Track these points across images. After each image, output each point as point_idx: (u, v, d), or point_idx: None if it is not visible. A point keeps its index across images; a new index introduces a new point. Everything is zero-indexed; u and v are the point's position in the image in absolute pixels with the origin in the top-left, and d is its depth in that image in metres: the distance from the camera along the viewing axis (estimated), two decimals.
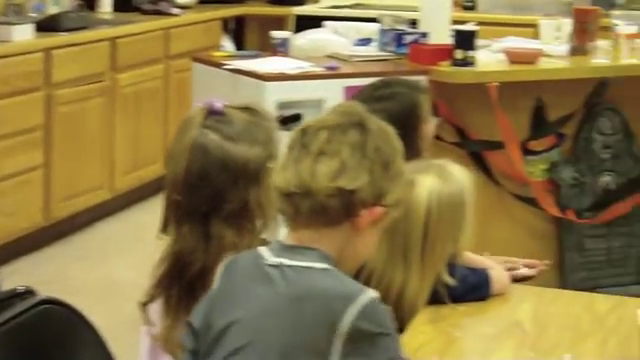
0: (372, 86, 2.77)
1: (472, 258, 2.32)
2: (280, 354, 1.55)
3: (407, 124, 2.63)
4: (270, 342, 1.56)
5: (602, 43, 3.86)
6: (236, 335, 1.59)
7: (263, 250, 1.65)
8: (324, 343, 1.53)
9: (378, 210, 1.63)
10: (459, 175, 2.19)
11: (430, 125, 2.73)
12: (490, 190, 3.79)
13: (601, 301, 2.23)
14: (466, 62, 3.54)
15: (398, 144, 1.68)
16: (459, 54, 3.54)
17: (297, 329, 1.55)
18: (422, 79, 3.48)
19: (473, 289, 2.22)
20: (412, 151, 2.48)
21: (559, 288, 3.78)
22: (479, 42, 3.77)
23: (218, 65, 3.70)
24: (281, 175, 1.62)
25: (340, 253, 1.64)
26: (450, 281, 2.16)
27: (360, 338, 1.54)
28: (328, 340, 1.53)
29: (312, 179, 1.59)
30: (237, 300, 1.62)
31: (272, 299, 1.58)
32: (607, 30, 3.93)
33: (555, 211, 3.86)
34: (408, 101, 2.68)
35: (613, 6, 6.01)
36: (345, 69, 3.61)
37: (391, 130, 1.70)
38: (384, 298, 2.12)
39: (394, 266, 2.14)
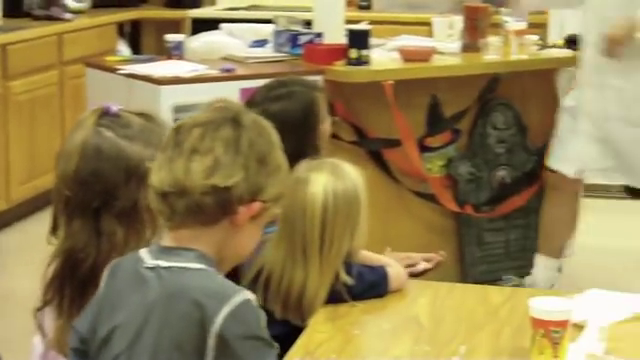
0: (267, 87, 2.76)
1: (370, 256, 2.33)
2: (155, 355, 1.54)
3: (307, 123, 2.64)
4: (146, 344, 1.55)
5: (493, 40, 3.92)
6: (118, 340, 1.58)
7: (143, 252, 1.63)
8: (198, 343, 1.53)
9: (256, 206, 1.63)
10: (351, 172, 2.21)
11: (327, 124, 2.74)
12: (389, 188, 3.83)
13: (495, 293, 2.27)
14: (360, 61, 3.56)
15: (275, 138, 1.68)
16: (353, 53, 3.56)
17: (171, 329, 1.54)
18: (318, 79, 3.49)
19: (371, 287, 2.24)
20: (312, 150, 2.50)
21: (461, 282, 3.84)
22: (374, 41, 3.80)
23: (112, 70, 3.66)
24: (156, 175, 1.61)
25: (220, 251, 1.63)
26: (348, 280, 2.17)
27: (231, 339, 1.53)
28: (201, 340, 1.53)
29: (186, 178, 1.58)
30: (118, 304, 1.61)
31: (147, 302, 1.57)
32: (497, 27, 4.00)
33: (454, 206, 3.92)
34: (306, 100, 2.68)
35: (503, 4, 6.13)
36: (240, 71, 3.60)
37: (267, 124, 1.69)
38: (285, 297, 2.14)
39: (294, 265, 2.16)
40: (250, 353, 1.55)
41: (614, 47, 3.45)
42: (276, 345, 1.63)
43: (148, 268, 1.60)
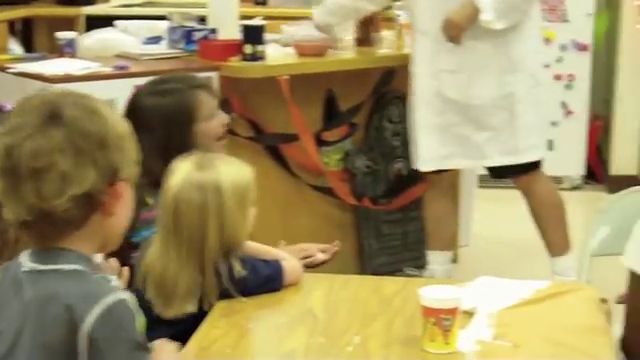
0: (151, 82, 2.77)
1: (265, 249, 2.34)
2: (31, 358, 1.52)
3: (181, 120, 2.64)
4: (24, 349, 1.53)
5: (387, 33, 3.96)
6: (0, 345, 1.55)
7: (23, 256, 1.60)
8: (70, 346, 1.50)
9: (119, 187, 1.58)
10: (223, 166, 2.21)
11: (214, 122, 2.72)
12: (288, 182, 3.85)
13: (388, 284, 2.30)
14: (256, 57, 3.57)
15: (103, 112, 1.57)
16: (248, 49, 3.56)
17: (44, 334, 1.51)
18: (213, 75, 3.49)
19: (266, 281, 2.25)
20: (186, 147, 2.49)
21: (360, 274, 3.89)
22: (270, 36, 3.81)
23: (3, 69, 3.59)
24: (8, 209, 1.53)
25: (102, 238, 1.60)
26: (243, 273, 2.18)
27: (101, 341, 1.50)
28: (73, 343, 1.50)
29: (41, 201, 1.50)
30: (1, 310, 1.58)
31: (23, 306, 1.54)
32: (391, 21, 4.04)
33: (352, 199, 3.95)
34: (181, 97, 2.67)
35: None
36: (135, 68, 3.57)
37: (89, 99, 1.58)
38: (159, 288, 2.14)
39: (167, 258, 2.16)
40: (121, 355, 1.52)
41: (457, 32, 3.50)
42: (151, 348, 1.62)
43: (25, 272, 1.57)
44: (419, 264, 4.04)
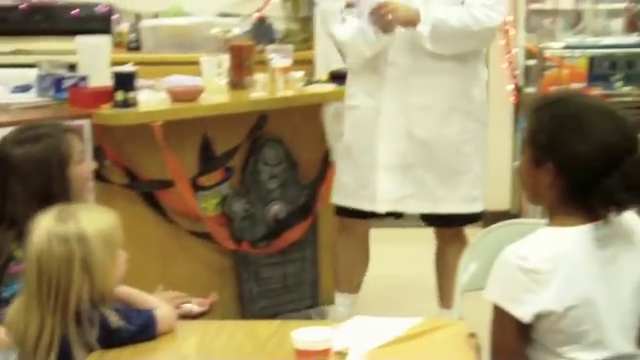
0: (17, 131, 2.73)
1: (138, 295, 2.33)
2: None
3: (56, 165, 2.61)
4: None
5: (261, 77, 3.98)
6: None
7: None
8: None
9: None
10: (84, 216, 2.19)
11: (84, 167, 2.70)
12: (165, 229, 3.81)
13: (263, 327, 2.29)
14: (127, 103, 3.53)
15: None
16: (120, 95, 3.52)
17: None
18: (84, 123, 3.44)
19: (140, 330, 2.22)
20: (61, 193, 2.47)
21: (242, 319, 3.87)
22: (143, 82, 3.79)
23: None
24: None
25: None
26: (116, 323, 2.16)
27: None
28: None
29: None
30: None
31: None
32: (264, 64, 4.07)
33: (230, 244, 3.94)
34: (54, 142, 2.64)
35: (273, 41, 6.26)
36: (2, 118, 3.49)
37: None
38: (22, 345, 2.09)
39: (29, 311, 2.13)
40: None
41: (388, 20, 3.47)
42: None
43: None
44: (299, 306, 4.05)
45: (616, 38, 5.42)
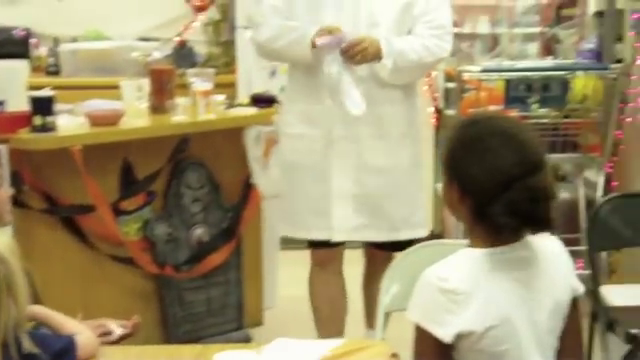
0: None
1: (60, 323, 2.29)
2: None
3: None
4: None
5: (182, 100, 3.97)
6: None
7: None
8: None
9: None
10: None
11: (1, 192, 2.66)
12: (86, 254, 3.76)
13: (186, 351, 2.28)
14: (46, 128, 3.49)
15: None
16: (38, 120, 3.48)
17: None
18: (2, 148, 3.39)
19: (58, 356, 2.18)
20: None
21: (165, 343, 3.83)
22: (62, 107, 3.75)
23: None
24: None
25: None
26: (31, 348, 2.12)
27: None
28: None
29: None
30: None
31: None
32: (186, 88, 4.06)
33: (153, 268, 3.91)
34: None
35: (194, 65, 6.25)
36: None
37: None
38: None
39: None
40: None
41: (360, 56, 3.47)
42: None
43: None
44: (224, 330, 4.03)
45: (532, 61, 5.54)
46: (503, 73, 4.59)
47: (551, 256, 2.22)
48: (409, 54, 3.55)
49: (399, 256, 2.70)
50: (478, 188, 2.15)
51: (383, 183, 3.62)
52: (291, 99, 3.76)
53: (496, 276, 2.13)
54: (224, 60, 6.51)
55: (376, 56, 3.52)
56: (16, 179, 3.43)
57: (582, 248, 4.29)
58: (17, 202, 3.35)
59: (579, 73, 4.67)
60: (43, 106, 3.50)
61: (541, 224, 2.13)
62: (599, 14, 5.16)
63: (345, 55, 3.47)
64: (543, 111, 4.66)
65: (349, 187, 3.61)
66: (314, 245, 3.77)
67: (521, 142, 2.15)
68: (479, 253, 2.15)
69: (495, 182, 2.11)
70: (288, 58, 3.72)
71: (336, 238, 3.65)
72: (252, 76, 5.82)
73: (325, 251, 3.73)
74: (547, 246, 2.22)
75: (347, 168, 3.62)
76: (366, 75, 3.56)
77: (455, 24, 4.69)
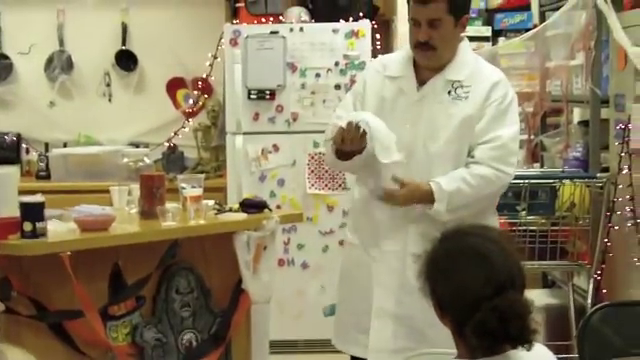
0: None
1: None
2: None
3: None
4: None
5: (172, 206, 3.98)
6: None
7: None
8: None
9: None
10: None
11: None
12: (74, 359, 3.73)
13: None
14: (36, 234, 3.49)
15: None
16: (28, 226, 3.48)
17: None
18: None
19: None
20: None
21: None
22: (52, 212, 3.76)
23: None
24: None
25: None
26: None
27: None
28: None
29: None
30: None
31: None
32: (175, 193, 4.08)
33: None
34: None
35: (184, 169, 6.31)
36: None
37: None
38: None
39: None
40: None
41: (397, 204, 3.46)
42: None
43: None
44: None
45: (519, 169, 5.60)
46: None
47: None
48: (464, 190, 3.44)
49: None
50: (451, 307, 2.17)
51: (427, 307, 3.51)
52: (353, 207, 3.78)
53: None
54: (214, 165, 6.58)
55: (424, 201, 3.46)
56: (5, 285, 3.42)
57: (574, 356, 4.29)
58: (6, 308, 3.33)
59: (567, 181, 4.73)
60: (33, 212, 3.50)
61: (516, 341, 2.13)
62: (584, 123, 5.25)
63: (386, 197, 3.46)
64: (532, 218, 4.70)
65: (390, 306, 3.54)
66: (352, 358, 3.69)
67: (490, 261, 2.16)
68: None
69: (464, 303, 2.13)
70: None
71: (371, 358, 3.55)
72: (242, 180, 5.86)
73: None
74: (535, 356, 2.22)
75: (387, 285, 3.56)
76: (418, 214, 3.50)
77: None
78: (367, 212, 3.64)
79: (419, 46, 3.53)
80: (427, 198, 3.46)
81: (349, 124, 3.43)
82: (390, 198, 3.47)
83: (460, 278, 2.16)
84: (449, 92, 3.55)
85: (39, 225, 3.50)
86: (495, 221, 3.69)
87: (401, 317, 3.50)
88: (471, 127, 3.52)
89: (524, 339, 2.12)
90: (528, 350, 2.14)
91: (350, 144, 3.45)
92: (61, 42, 6.78)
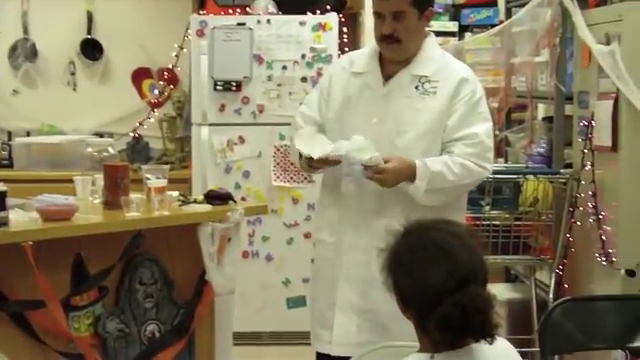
0: None
1: None
2: None
3: None
4: None
5: (136, 197, 3.96)
6: None
7: None
8: None
9: None
10: None
11: None
12: (35, 350, 3.70)
13: None
14: None
15: None
16: None
17: None
18: None
19: None
20: None
21: None
22: (14, 201, 3.72)
23: None
24: None
25: None
26: None
27: None
28: None
29: None
30: None
31: None
32: (140, 183, 4.06)
33: None
34: None
35: (149, 160, 6.28)
36: None
37: None
38: None
39: None
40: None
41: (388, 181, 3.42)
42: None
43: None
44: None
45: None
46: None
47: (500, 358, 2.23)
48: (447, 175, 3.44)
49: (353, 358, 2.69)
50: (414, 302, 2.18)
51: (392, 300, 3.46)
52: (320, 202, 3.77)
53: None
54: (179, 155, 6.56)
55: (408, 178, 3.43)
56: None
57: (535, 350, 4.32)
58: None
59: (530, 177, 4.76)
60: None
61: (478, 335, 2.14)
62: (548, 119, 5.29)
63: (369, 175, 3.42)
64: (495, 213, 4.73)
65: (354, 299, 3.53)
66: (320, 356, 3.67)
67: (452, 256, 2.17)
68: (426, 358, 2.16)
69: (426, 297, 2.14)
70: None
71: (335, 352, 3.54)
72: (207, 172, 5.85)
73: None
74: (498, 349, 2.23)
75: (350, 278, 3.55)
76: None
77: None
78: (334, 206, 3.64)
79: (384, 39, 3.54)
80: (411, 173, 3.44)
81: (321, 161, 3.49)
82: (380, 173, 3.41)
83: (422, 272, 2.17)
84: (416, 87, 3.55)
85: (1, 214, 3.47)
86: (462, 217, 3.70)
87: (365, 311, 3.50)
88: (441, 122, 3.52)
89: (486, 333, 2.13)
90: (490, 344, 2.16)
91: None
92: (25, 30, 6.73)
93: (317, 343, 3.67)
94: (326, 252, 3.65)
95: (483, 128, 3.53)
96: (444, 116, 3.52)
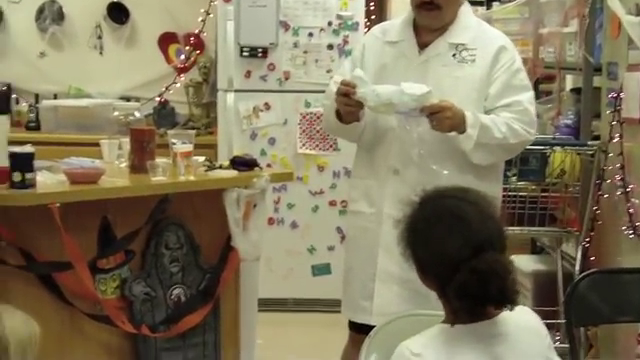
0: None
1: None
2: None
3: None
4: None
5: (162, 161, 3.96)
6: None
7: None
8: None
9: None
10: (9, 321, 2.13)
11: None
12: (62, 311, 3.73)
13: None
14: (25, 184, 3.47)
15: None
16: (17, 176, 3.47)
17: None
18: None
19: None
20: None
21: None
22: (41, 163, 3.74)
23: None
24: None
25: None
26: None
27: None
28: None
29: None
30: None
31: None
32: (166, 148, 4.07)
33: (129, 327, 3.87)
34: None
35: (175, 125, 6.29)
36: None
37: None
38: None
39: None
40: None
41: (448, 121, 3.34)
42: None
43: None
44: None
45: None
46: None
47: (525, 332, 2.23)
48: (494, 131, 3.39)
49: (377, 327, 2.69)
50: (433, 271, 2.18)
51: None
52: (355, 175, 3.74)
53: (470, 353, 2.13)
54: (205, 121, 6.56)
55: (459, 127, 3.37)
56: None
57: (560, 321, 4.32)
58: None
59: (557, 148, 4.73)
60: (23, 163, 3.49)
61: (498, 302, 2.14)
62: (576, 91, 5.24)
63: (428, 114, 3.33)
64: (522, 184, 4.71)
65: (394, 270, 3.47)
66: (355, 325, 3.65)
67: (466, 223, 2.16)
68: (452, 329, 2.16)
69: (444, 266, 2.14)
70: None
71: (374, 322, 3.42)
72: (233, 138, 5.85)
73: (363, 335, 3.61)
74: (522, 321, 2.23)
75: (392, 249, 3.55)
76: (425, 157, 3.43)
77: None
78: (370, 177, 3.62)
79: (423, 5, 3.50)
80: (461, 122, 3.38)
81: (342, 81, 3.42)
82: (441, 110, 3.32)
83: (438, 241, 2.17)
84: (454, 55, 3.52)
85: (28, 176, 3.49)
86: (499, 189, 3.66)
87: (406, 280, 3.41)
88: (481, 91, 3.49)
89: (506, 300, 2.12)
90: (510, 310, 2.15)
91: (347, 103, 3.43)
92: None
93: (355, 313, 3.63)
94: (364, 223, 3.62)
95: (526, 97, 3.50)
96: (484, 85, 3.49)
